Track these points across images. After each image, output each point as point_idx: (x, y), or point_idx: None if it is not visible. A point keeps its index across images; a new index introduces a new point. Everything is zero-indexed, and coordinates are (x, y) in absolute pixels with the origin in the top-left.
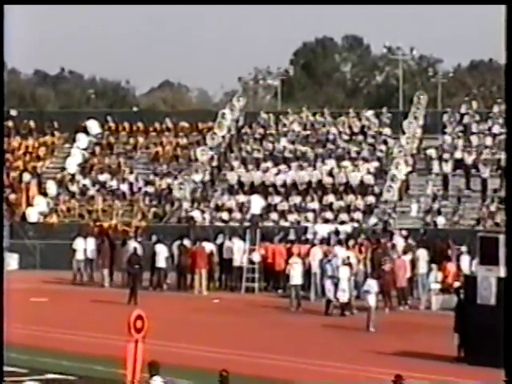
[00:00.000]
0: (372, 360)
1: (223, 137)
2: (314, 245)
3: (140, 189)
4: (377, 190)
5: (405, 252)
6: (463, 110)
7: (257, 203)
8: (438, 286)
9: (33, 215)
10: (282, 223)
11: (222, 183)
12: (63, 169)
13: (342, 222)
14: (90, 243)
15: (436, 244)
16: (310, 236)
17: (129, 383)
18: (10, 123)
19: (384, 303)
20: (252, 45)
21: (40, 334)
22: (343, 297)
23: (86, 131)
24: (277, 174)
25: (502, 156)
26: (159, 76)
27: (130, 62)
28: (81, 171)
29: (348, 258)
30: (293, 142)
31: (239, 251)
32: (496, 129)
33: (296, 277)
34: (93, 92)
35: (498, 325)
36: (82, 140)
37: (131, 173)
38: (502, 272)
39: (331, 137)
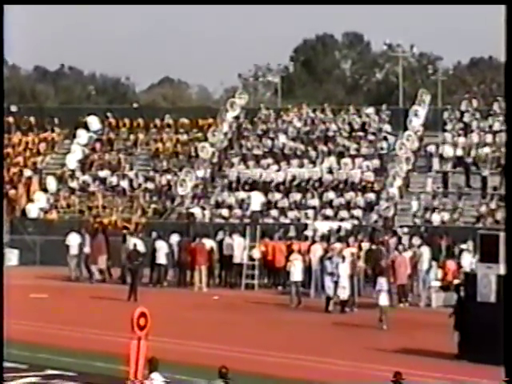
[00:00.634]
0: (372, 357)
1: (224, 133)
2: (314, 242)
3: (140, 185)
4: (377, 187)
5: (405, 249)
6: (463, 107)
7: (257, 200)
8: (438, 284)
9: (33, 211)
10: (282, 220)
11: (223, 180)
12: (63, 165)
13: (342, 219)
14: (85, 239)
15: (434, 241)
16: (310, 233)
17: (131, 380)
18: (11, 119)
19: None
20: (252, 41)
21: (40, 330)
22: (343, 294)
23: (86, 127)
24: (277, 170)
25: (502, 153)
26: (159, 72)
27: (130, 59)
28: (81, 167)
29: (352, 254)
30: (293, 139)
31: (239, 248)
32: (496, 126)
33: (296, 273)
34: (93, 88)
35: (497, 322)
36: (82, 136)
37: (131, 169)
38: (502, 269)
39: (331, 134)
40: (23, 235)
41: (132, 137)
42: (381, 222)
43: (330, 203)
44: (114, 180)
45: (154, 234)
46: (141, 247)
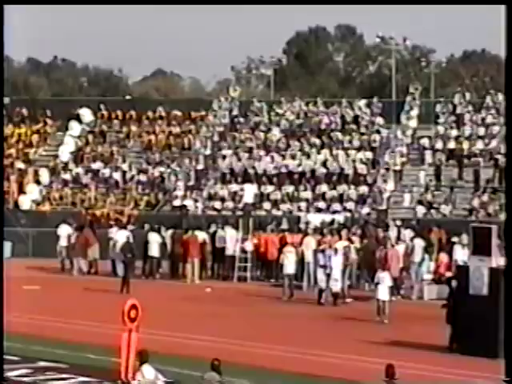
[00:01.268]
0: (364, 349)
1: (216, 125)
2: (307, 234)
3: (133, 177)
4: (370, 179)
5: (398, 242)
6: (456, 100)
7: (250, 192)
8: (431, 276)
9: (25, 203)
10: (275, 212)
11: (215, 172)
12: (56, 157)
13: (335, 212)
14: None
15: (426, 233)
16: (302, 225)
17: (122, 372)
18: (3, 111)
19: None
20: (245, 34)
21: (32, 321)
22: (335, 286)
23: (78, 119)
24: (270, 163)
25: (495, 146)
26: (152, 64)
27: (123, 51)
28: (73, 159)
29: (345, 247)
30: (286, 132)
31: (232, 240)
32: (489, 119)
33: (289, 266)
34: (85, 80)
35: (489, 315)
36: (75, 128)
37: (124, 161)
38: (494, 262)
39: (324, 126)
40: (16, 227)
41: (125, 129)
42: (373, 214)
43: (322, 196)
44: (106, 172)
45: (147, 227)
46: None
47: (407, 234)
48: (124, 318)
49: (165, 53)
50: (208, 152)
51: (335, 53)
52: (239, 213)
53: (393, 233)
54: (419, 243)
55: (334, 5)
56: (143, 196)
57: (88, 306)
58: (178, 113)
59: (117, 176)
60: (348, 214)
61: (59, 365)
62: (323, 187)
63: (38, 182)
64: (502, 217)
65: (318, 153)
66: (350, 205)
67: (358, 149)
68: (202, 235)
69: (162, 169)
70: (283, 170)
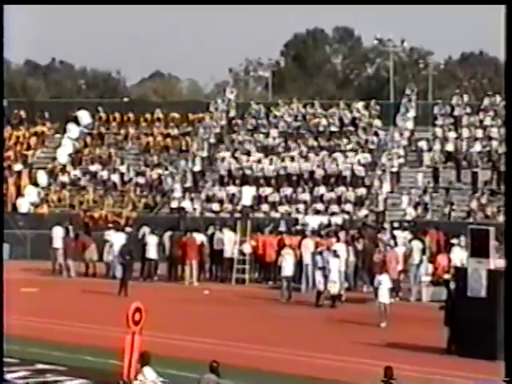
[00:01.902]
0: (362, 351)
1: (214, 127)
2: (305, 236)
3: (131, 179)
4: (368, 181)
5: (396, 244)
6: (454, 102)
7: (248, 194)
8: (429, 278)
9: (24, 205)
10: (273, 214)
11: (213, 174)
12: (54, 159)
13: (333, 214)
14: (69, 232)
15: (425, 235)
16: (300, 227)
17: (125, 373)
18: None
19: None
20: (243, 36)
21: (31, 324)
22: (334, 288)
23: (76, 121)
24: (268, 165)
25: (493, 148)
26: (150, 66)
27: (121, 53)
28: (72, 161)
29: (343, 249)
30: (284, 133)
31: (230, 242)
32: (487, 121)
33: (287, 268)
34: (83, 82)
35: (488, 317)
36: (73, 130)
37: (122, 163)
38: (492, 264)
39: (322, 128)
40: (14, 229)
41: (123, 131)
42: (372, 216)
43: (320, 198)
44: (104, 174)
45: (145, 229)
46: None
47: (405, 235)
48: (128, 320)
49: (163, 55)
50: (206, 154)
51: (333, 55)
52: (237, 215)
53: (391, 235)
54: (417, 245)
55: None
56: (141, 198)
57: (86, 308)
58: (176, 115)
59: (115, 178)
60: (346, 216)
61: (57, 367)
62: (321, 189)
63: (36, 185)
64: (501, 219)
65: (316, 155)
66: (348, 207)
67: (356, 151)
68: (200, 237)
69: (159, 171)
70: (281, 172)
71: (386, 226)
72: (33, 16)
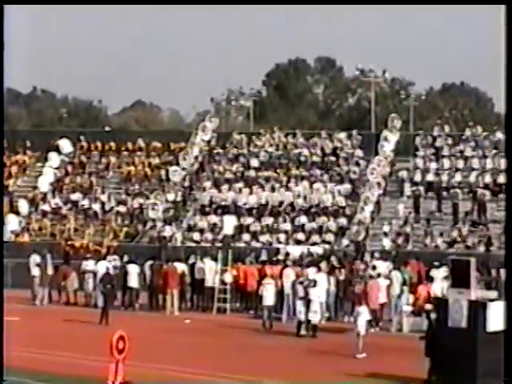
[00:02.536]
0: (343, 382)
1: (195, 157)
2: (286, 266)
3: (112, 208)
4: (348, 211)
5: (378, 274)
6: (435, 132)
7: (229, 224)
8: (410, 308)
9: (4, 234)
10: (254, 244)
11: (194, 203)
12: (35, 187)
13: (314, 244)
14: (46, 260)
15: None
16: (281, 257)
17: None
18: None
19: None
20: (225, 65)
21: (12, 353)
22: (315, 318)
23: (58, 150)
24: (249, 194)
25: (473, 179)
26: (131, 96)
27: (103, 82)
28: (53, 190)
29: (327, 279)
30: (265, 163)
31: (211, 272)
32: (468, 152)
33: (269, 297)
34: (65, 111)
35: (468, 348)
36: (54, 159)
37: (103, 192)
38: (473, 295)
39: (303, 158)
40: None
41: (104, 160)
42: (352, 246)
43: (301, 227)
44: (85, 203)
45: (126, 258)
46: (102, 270)
47: (386, 266)
48: (112, 349)
49: (144, 84)
50: (187, 183)
51: (315, 85)
52: (218, 244)
53: (371, 265)
54: (398, 275)
55: (313, 36)
56: (122, 227)
57: (68, 337)
58: (158, 144)
59: (96, 207)
60: (327, 246)
61: None
62: (302, 219)
63: (16, 213)
64: (481, 249)
65: (297, 185)
66: (329, 237)
67: (337, 181)
68: (181, 266)
69: (141, 200)
70: (262, 201)
71: (367, 256)
72: (15, 45)
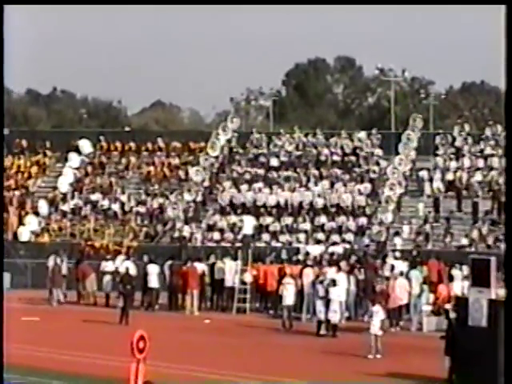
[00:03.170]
0: (363, 382)
1: (216, 157)
2: (306, 265)
3: (132, 208)
4: (368, 211)
5: (401, 273)
6: (455, 132)
7: (249, 224)
8: (430, 308)
9: (24, 234)
10: (274, 244)
11: (214, 203)
12: (55, 188)
13: (334, 243)
14: (62, 261)
15: (425, 265)
16: (301, 257)
17: None
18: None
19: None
20: (245, 65)
21: (31, 353)
22: (334, 318)
23: (77, 151)
24: (269, 194)
25: (493, 178)
26: (151, 96)
27: (122, 82)
28: (72, 191)
29: (348, 278)
30: (285, 163)
31: (231, 271)
32: (488, 151)
33: (288, 297)
34: (85, 112)
35: (489, 347)
36: (74, 159)
37: (123, 192)
38: (493, 294)
39: (323, 158)
40: (15, 258)
41: (124, 160)
42: (372, 246)
43: (321, 227)
44: (105, 203)
45: (146, 258)
46: (122, 269)
47: (406, 265)
48: (133, 349)
49: (164, 84)
50: (207, 183)
51: (334, 84)
52: (238, 244)
53: (392, 264)
54: (417, 275)
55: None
56: (142, 227)
57: (87, 337)
58: (177, 144)
59: (116, 207)
60: (347, 246)
61: None
62: (322, 219)
63: (36, 214)
64: (502, 248)
65: (317, 184)
66: (349, 236)
67: (357, 180)
68: (200, 266)
69: (160, 200)
70: (282, 201)
71: (387, 255)
72: (35, 46)
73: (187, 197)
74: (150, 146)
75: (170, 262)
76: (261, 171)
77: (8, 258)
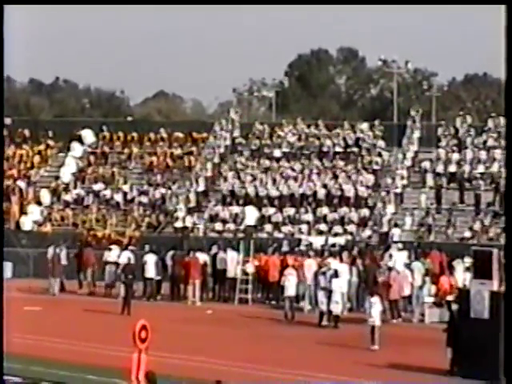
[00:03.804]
0: (364, 372)
1: (218, 147)
2: (308, 256)
3: (134, 199)
4: (371, 202)
5: (407, 265)
6: (458, 123)
7: (251, 214)
8: (432, 299)
9: (27, 224)
10: (276, 235)
11: (216, 194)
12: (57, 178)
13: (336, 234)
14: (61, 251)
15: (427, 257)
16: (303, 247)
17: None
18: (5, 132)
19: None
20: (247, 56)
21: (34, 342)
22: (336, 309)
23: (80, 140)
24: (271, 185)
25: (496, 169)
26: (154, 86)
27: (125, 72)
28: (75, 180)
29: (350, 269)
30: (287, 154)
31: (233, 262)
32: (490, 142)
33: (290, 288)
34: (87, 101)
35: (490, 338)
36: (77, 149)
37: (125, 182)
38: (495, 286)
39: (325, 149)
40: (17, 248)
41: (126, 150)
42: (375, 237)
43: (323, 218)
44: (107, 193)
45: (147, 248)
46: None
47: (408, 256)
48: (135, 338)
49: (166, 75)
50: (209, 174)
51: (337, 75)
52: (240, 235)
53: (394, 255)
54: (419, 266)
55: (335, 26)
56: (144, 217)
57: (89, 327)
58: (180, 134)
59: (118, 197)
60: (349, 237)
61: None
62: (324, 210)
63: (39, 203)
64: (503, 240)
65: (319, 175)
66: (351, 227)
67: (360, 171)
68: (202, 257)
69: (163, 190)
70: (284, 192)
71: (389, 246)
72: (37, 36)
73: (189, 187)
74: (152, 136)
75: (172, 253)
76: (263, 162)
77: (10, 247)
